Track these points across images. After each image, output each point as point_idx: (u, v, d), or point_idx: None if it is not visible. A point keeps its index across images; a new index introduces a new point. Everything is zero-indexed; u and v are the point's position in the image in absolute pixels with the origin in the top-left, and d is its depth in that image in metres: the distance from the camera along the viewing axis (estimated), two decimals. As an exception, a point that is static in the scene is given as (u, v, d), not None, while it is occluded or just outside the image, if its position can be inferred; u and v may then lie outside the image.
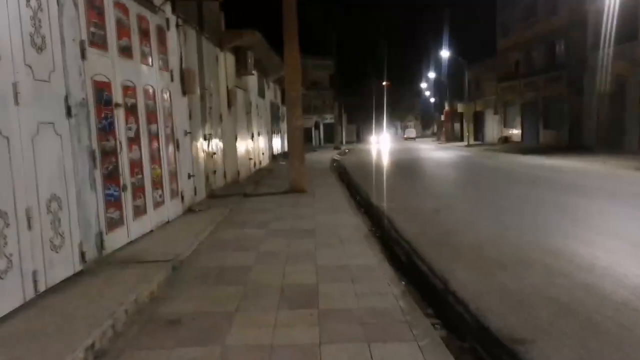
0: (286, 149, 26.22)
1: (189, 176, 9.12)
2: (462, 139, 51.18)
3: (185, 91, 9.08)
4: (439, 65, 58.02)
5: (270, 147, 22.06)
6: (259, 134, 18.32)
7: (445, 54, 45.90)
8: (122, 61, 6.37)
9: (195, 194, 9.52)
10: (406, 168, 20.39)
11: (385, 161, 24.50)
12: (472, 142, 43.41)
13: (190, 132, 9.23)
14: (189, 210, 8.84)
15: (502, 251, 6.22)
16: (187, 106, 9.26)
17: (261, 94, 19.42)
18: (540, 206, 9.57)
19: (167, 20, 8.29)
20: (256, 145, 17.55)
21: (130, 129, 6.51)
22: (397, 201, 10.67)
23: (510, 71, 39.15)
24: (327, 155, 29.30)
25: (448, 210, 9.45)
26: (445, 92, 62.59)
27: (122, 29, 6.44)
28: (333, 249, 6.28)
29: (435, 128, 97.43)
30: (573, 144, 28.79)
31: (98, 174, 5.56)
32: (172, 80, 8.37)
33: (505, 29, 39.10)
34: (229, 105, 13.34)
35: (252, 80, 17.31)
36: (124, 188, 6.20)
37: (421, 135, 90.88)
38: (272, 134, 22.44)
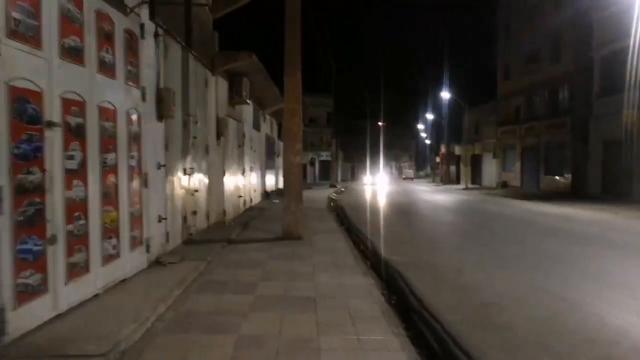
0: (280, 185, 24.57)
1: (160, 219, 7.27)
2: (458, 182, 49.73)
3: (162, 115, 7.33)
4: (437, 107, 57.26)
5: (263, 184, 20.24)
6: (251, 170, 16.56)
7: (444, 95, 44.89)
8: (66, 66, 4.62)
9: (167, 240, 7.65)
10: (408, 212, 18.60)
11: (385, 202, 22.73)
12: (469, 185, 41.86)
13: (164, 165, 7.43)
14: (157, 262, 6.95)
15: (574, 338, 4.36)
16: (163, 133, 7.50)
17: (256, 126, 17.75)
18: (575, 263, 7.78)
19: (142, 26, 6.60)
20: (247, 181, 15.75)
21: (71, 157, 4.70)
22: (408, 254, 8.87)
23: (511, 115, 38.02)
24: (323, 194, 27.51)
25: (470, 269, 7.63)
26: (441, 134, 61.58)
27: (70, 23, 4.71)
28: (342, 335, 4.41)
29: (429, 169, 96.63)
30: (576, 191, 27.27)
31: (5, 221, 3.72)
32: (143, 99, 6.63)
33: (506, 74, 38.17)
34: (218, 136, 11.60)
35: (247, 110, 15.66)
36: (52, 240, 4.34)
37: (415, 177, 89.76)
38: (265, 169, 20.66)
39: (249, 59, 11.30)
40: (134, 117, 6.30)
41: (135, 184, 6.30)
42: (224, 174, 12.27)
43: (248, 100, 13.74)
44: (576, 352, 4.26)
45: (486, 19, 50.17)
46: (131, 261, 6.12)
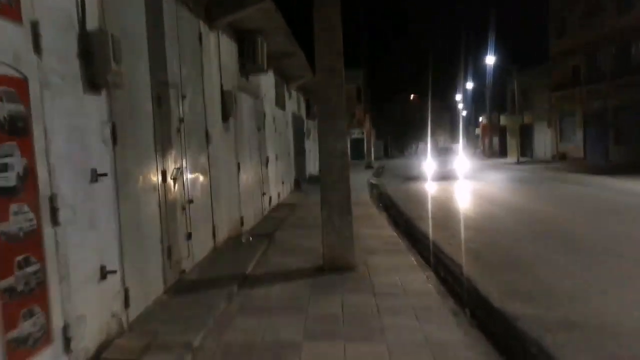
0: (313, 170, 21.08)
1: (104, 274, 3.92)
2: (503, 155, 45.28)
3: (95, 81, 3.92)
4: (477, 75, 52.58)
5: (293, 173, 16.79)
6: (276, 158, 13.14)
7: (487, 60, 40.25)
8: None
9: (125, 304, 4.31)
10: (475, 198, 14.90)
11: (436, 188, 19.01)
12: (520, 158, 37.46)
13: (105, 175, 4.03)
14: (94, 362, 3.63)
15: None
16: (101, 115, 4.10)
17: (280, 103, 14.24)
18: None
19: None
20: (272, 173, 12.35)
21: None
22: (540, 297, 5.35)
23: (568, 78, 33.33)
24: (360, 177, 23.72)
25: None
26: (481, 104, 56.89)
27: None
28: None
29: (465, 142, 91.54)
30: (659, 162, 22.88)
31: None
32: (37, 48, 3.21)
33: (561, 31, 33.35)
34: (226, 117, 8.18)
35: (267, 82, 12.17)
36: None
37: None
38: (295, 155, 17.20)
39: (262, 5, 7.76)
40: (10, 84, 2.92)
41: (17, 223, 2.94)
42: (238, 169, 8.89)
43: (266, 69, 10.23)
44: None
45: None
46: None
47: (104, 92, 4.10)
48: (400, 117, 70.38)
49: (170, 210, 5.65)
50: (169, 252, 5.49)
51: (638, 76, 25.36)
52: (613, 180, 18.89)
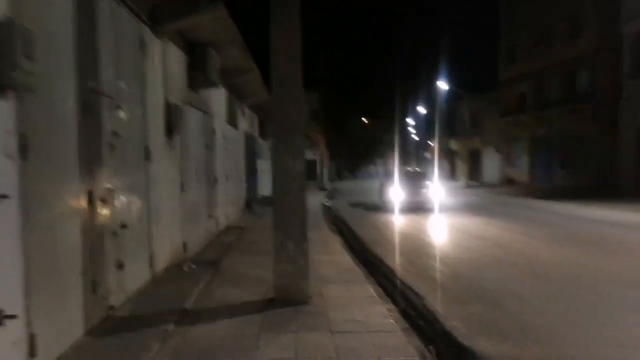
0: (263, 191, 20.39)
1: (0, 321, 3.14)
2: (452, 179, 46.05)
3: (-3, 81, 3.20)
4: (429, 100, 53.63)
5: (243, 194, 16.03)
6: (227, 178, 12.39)
7: (438, 84, 41.04)
8: None
9: (31, 354, 3.50)
10: (431, 223, 14.61)
11: (392, 211, 18.69)
12: (469, 182, 38.06)
13: (6, 197, 3.27)
14: None
15: None
16: (2, 123, 3.35)
17: (232, 121, 13.56)
18: None
19: None
20: (222, 194, 11.59)
21: None
22: (518, 335, 4.89)
23: (516, 104, 34.37)
24: (314, 200, 23.27)
25: None
26: (431, 129, 57.98)
27: None
28: None
29: (415, 166, 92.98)
30: (600, 188, 23.61)
31: None
32: None
33: (510, 57, 34.41)
34: (170, 132, 7.45)
35: (218, 99, 11.50)
36: None
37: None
38: (246, 175, 16.47)
39: (215, 12, 7.15)
40: None
41: None
42: (182, 190, 8.13)
43: (217, 83, 9.57)
44: None
45: None
46: None
47: (10, 95, 3.36)
48: (353, 140, 70.70)
49: (97, 237, 4.87)
50: (93, 286, 4.70)
51: (582, 104, 26.28)
52: (551, 203, 19.27)
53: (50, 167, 3.96)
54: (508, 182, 34.20)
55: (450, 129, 46.42)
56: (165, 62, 7.33)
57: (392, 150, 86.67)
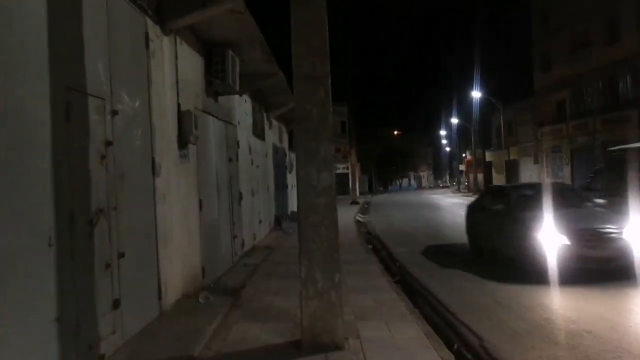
0: (295, 207, 19.15)
1: None
2: (489, 191, 44.03)
3: None
4: (462, 110, 52.05)
5: (272, 210, 15.00)
6: (252, 193, 11.40)
7: (472, 94, 39.48)
8: None
9: None
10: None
11: (435, 226, 17.30)
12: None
13: None
14: None
15: None
16: None
17: (258, 132, 12.60)
18: None
19: None
20: (247, 211, 10.58)
21: None
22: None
23: (553, 113, 32.56)
24: (347, 215, 22.03)
25: None
26: (465, 140, 56.20)
27: None
28: None
29: (447, 178, 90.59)
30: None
31: None
32: None
33: (545, 65, 32.65)
34: (183, 142, 6.49)
35: (242, 107, 10.56)
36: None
37: (433, 186, 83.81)
38: (275, 190, 15.46)
39: (229, 3, 6.18)
40: None
41: None
42: (199, 207, 7.13)
43: (240, 90, 8.61)
44: None
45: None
46: None
47: None
48: (385, 153, 69.25)
49: (84, 271, 3.88)
50: (76, 331, 3.69)
51: (627, 110, 24.45)
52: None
53: (10, 184, 2.99)
54: (548, 193, 32.22)
55: (485, 139, 44.61)
56: (176, 63, 6.38)
57: (425, 163, 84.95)
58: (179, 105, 6.42)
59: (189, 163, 6.77)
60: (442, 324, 5.77)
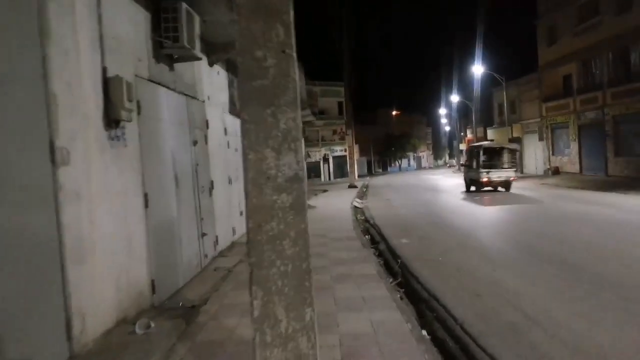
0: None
1: None
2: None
3: None
4: (462, 88, 50.15)
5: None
6: (230, 182, 9.74)
7: (474, 70, 37.57)
8: None
9: None
10: (497, 236, 11.55)
11: (442, 212, 15.67)
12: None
13: None
14: None
15: None
16: None
17: (236, 110, 10.89)
18: None
19: None
20: (222, 203, 8.93)
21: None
22: None
23: (559, 87, 30.73)
24: (343, 200, 20.37)
25: None
26: (466, 118, 54.42)
27: None
28: None
29: (447, 158, 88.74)
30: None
31: None
32: None
33: (551, 38, 30.69)
34: (113, 120, 4.81)
35: (212, 78, 8.84)
36: None
37: (433, 166, 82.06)
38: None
39: None
40: None
41: None
42: (145, 205, 5.48)
43: (197, 53, 6.88)
44: None
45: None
46: None
47: None
48: (384, 133, 67.29)
49: None
50: None
51: (638, 83, 22.67)
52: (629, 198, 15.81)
53: None
54: (554, 172, 30.50)
55: (487, 118, 42.79)
56: (99, 12, 4.67)
57: (424, 143, 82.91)
58: (104, 69, 4.72)
59: (125, 147, 5.10)
60: (456, 349, 4.19)
